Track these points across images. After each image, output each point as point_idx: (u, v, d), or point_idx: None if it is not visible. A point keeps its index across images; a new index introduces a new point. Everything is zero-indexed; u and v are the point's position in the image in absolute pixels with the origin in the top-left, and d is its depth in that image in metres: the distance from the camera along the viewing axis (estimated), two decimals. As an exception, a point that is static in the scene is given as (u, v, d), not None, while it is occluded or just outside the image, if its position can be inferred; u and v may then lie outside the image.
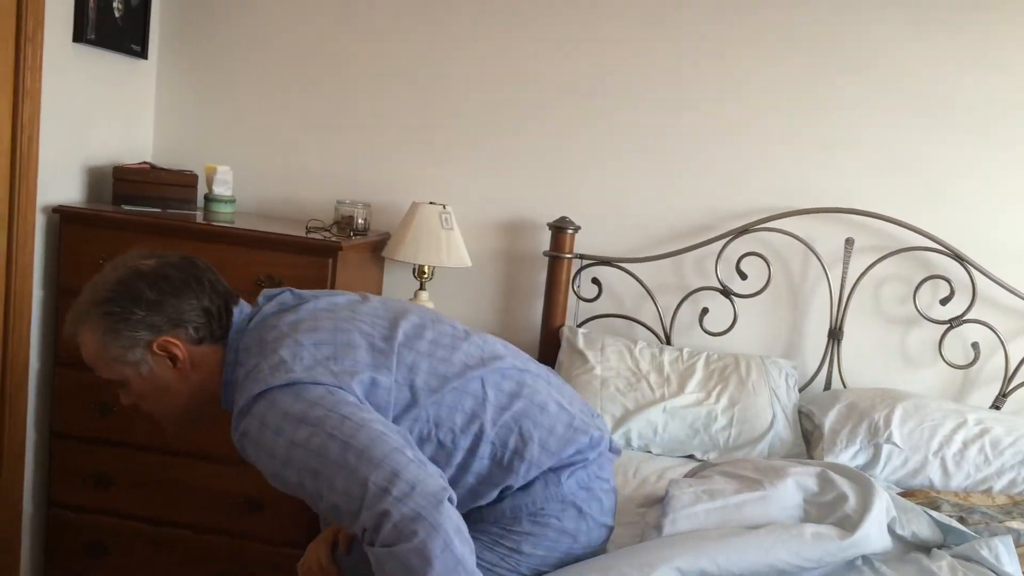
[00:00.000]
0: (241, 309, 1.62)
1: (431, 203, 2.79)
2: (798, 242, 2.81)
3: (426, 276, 2.85)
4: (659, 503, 1.93)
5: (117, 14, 2.83)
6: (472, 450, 1.55)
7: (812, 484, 1.88)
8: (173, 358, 1.54)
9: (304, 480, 1.37)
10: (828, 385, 2.84)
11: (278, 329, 1.52)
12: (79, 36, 2.67)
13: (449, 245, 2.76)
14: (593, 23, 2.89)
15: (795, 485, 1.86)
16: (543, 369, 1.75)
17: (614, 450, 1.75)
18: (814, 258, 2.81)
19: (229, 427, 1.49)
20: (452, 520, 1.31)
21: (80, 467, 2.68)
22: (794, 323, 2.90)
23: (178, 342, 1.53)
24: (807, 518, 1.80)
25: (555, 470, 1.61)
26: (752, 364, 2.74)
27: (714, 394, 2.65)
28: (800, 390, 2.80)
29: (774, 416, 2.62)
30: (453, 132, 2.97)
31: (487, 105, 2.96)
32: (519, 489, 1.59)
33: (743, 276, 2.83)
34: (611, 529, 1.72)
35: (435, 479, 1.34)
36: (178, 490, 2.64)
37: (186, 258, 1.60)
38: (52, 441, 2.71)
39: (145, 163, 2.91)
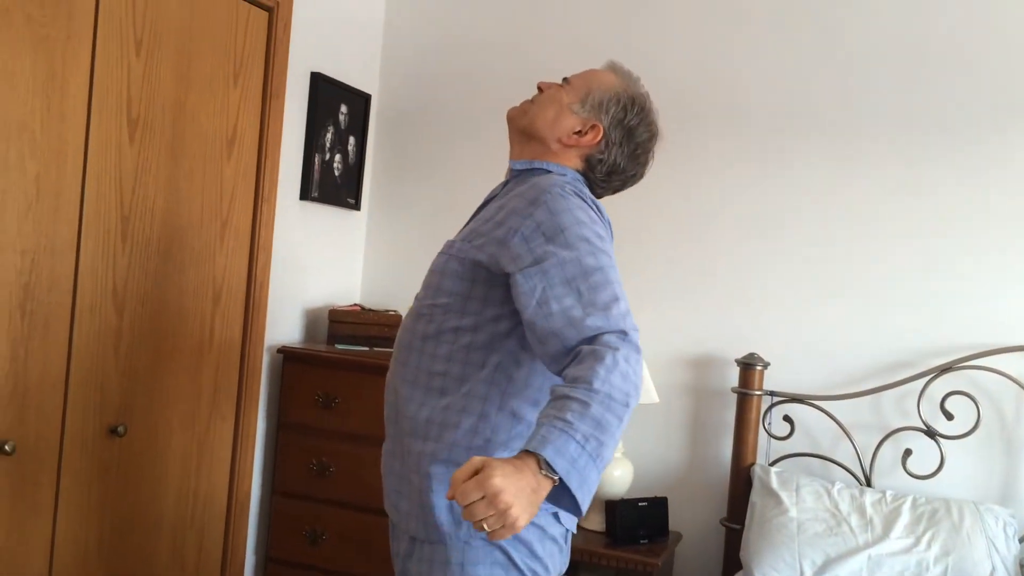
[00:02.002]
0: None
1: (619, 340, 2.86)
2: (1010, 381, 2.65)
3: (614, 412, 2.90)
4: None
5: (336, 173, 3.17)
6: None
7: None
8: (583, 134, 1.70)
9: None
10: (1054, 536, 2.61)
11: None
12: (305, 194, 3.00)
13: (637, 382, 2.81)
14: (784, 159, 2.94)
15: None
16: None
17: None
18: (1029, 397, 2.65)
19: None
20: None
21: (290, 591, 2.86)
22: (1010, 468, 2.70)
23: (596, 140, 1.72)
24: None
25: None
26: (965, 510, 2.56)
27: (924, 540, 2.50)
28: (1021, 541, 2.59)
29: (993, 569, 2.42)
30: (639, 267, 3.06)
31: (674, 240, 3.05)
32: None
33: (949, 416, 2.69)
34: None
35: None
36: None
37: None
38: (268, 565, 2.91)
39: (355, 305, 3.18)
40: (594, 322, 1.42)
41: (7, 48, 1.99)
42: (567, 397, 1.34)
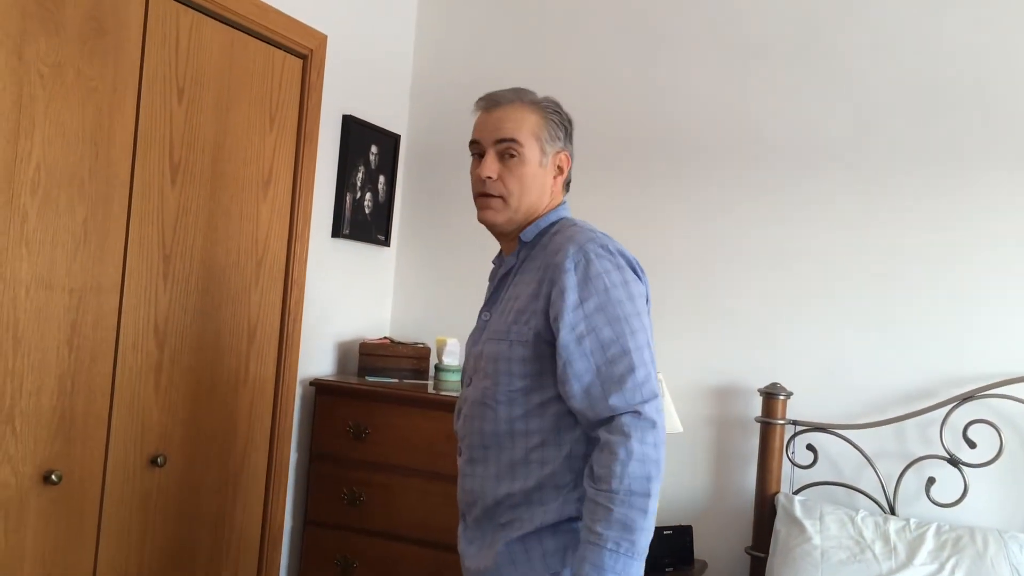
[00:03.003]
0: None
1: (643, 371, 2.91)
2: (1031, 408, 2.67)
3: (639, 442, 2.95)
4: None
5: (367, 210, 3.28)
6: None
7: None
8: (560, 169, 1.77)
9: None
10: (1081, 565, 2.60)
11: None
12: (336, 232, 3.11)
13: (661, 412, 2.86)
14: (803, 193, 3.00)
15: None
16: None
17: None
18: (1052, 425, 2.66)
19: None
20: None
21: (322, 619, 2.93)
22: (1034, 495, 2.71)
23: (568, 164, 1.79)
24: None
25: None
26: (989, 537, 2.57)
27: (948, 567, 2.51)
28: (1047, 569, 2.59)
29: (1018, 597, 2.43)
30: (662, 299, 3.11)
31: (696, 272, 3.11)
32: None
33: (971, 444, 2.71)
34: None
35: None
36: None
37: None
38: (299, 593, 2.99)
39: (385, 338, 3.27)
40: (612, 402, 1.55)
41: (60, 101, 2.12)
42: (594, 502, 1.52)
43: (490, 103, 1.74)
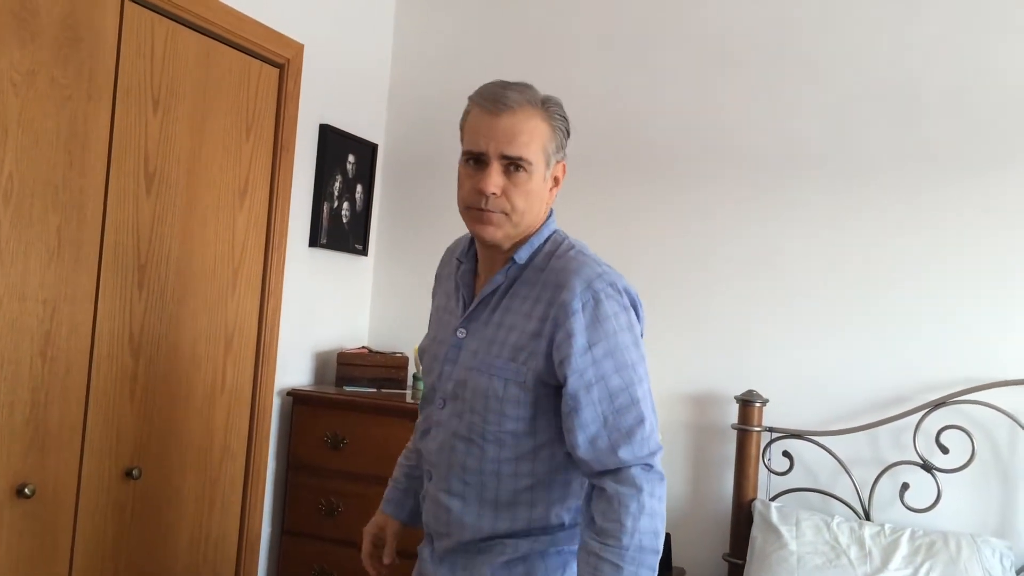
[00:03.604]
0: None
1: (620, 379, 2.93)
2: (1003, 415, 2.71)
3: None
4: None
5: (344, 220, 3.27)
6: None
7: None
8: (556, 180, 1.65)
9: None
10: (1052, 568, 2.64)
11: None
12: (314, 241, 3.10)
13: (638, 420, 2.87)
14: (779, 199, 3.03)
15: None
16: None
17: None
18: (1023, 432, 2.70)
19: None
20: None
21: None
22: (1006, 500, 2.75)
23: (564, 174, 1.66)
24: None
25: None
26: (962, 542, 2.60)
27: (922, 571, 2.54)
28: (1018, 572, 2.62)
29: (991, 600, 2.46)
30: (639, 311, 3.14)
31: (672, 280, 3.13)
32: None
33: (944, 450, 2.74)
34: None
35: None
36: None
37: None
38: (277, 604, 2.96)
39: (363, 347, 3.26)
40: (621, 455, 1.49)
41: (33, 108, 2.10)
42: (599, 558, 1.45)
43: (496, 104, 1.56)
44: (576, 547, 1.59)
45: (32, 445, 2.15)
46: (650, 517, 1.47)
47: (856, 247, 2.94)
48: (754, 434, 2.90)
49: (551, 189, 1.64)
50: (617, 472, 1.49)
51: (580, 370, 1.50)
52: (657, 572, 1.48)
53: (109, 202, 2.32)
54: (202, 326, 2.65)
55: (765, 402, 2.91)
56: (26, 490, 2.12)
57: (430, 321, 1.81)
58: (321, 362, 3.23)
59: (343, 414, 2.92)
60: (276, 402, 2.98)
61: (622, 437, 1.49)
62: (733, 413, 2.96)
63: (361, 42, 3.36)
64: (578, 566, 1.49)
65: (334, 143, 3.17)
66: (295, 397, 2.99)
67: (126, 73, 2.33)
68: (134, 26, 2.35)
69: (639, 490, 1.47)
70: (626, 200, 3.21)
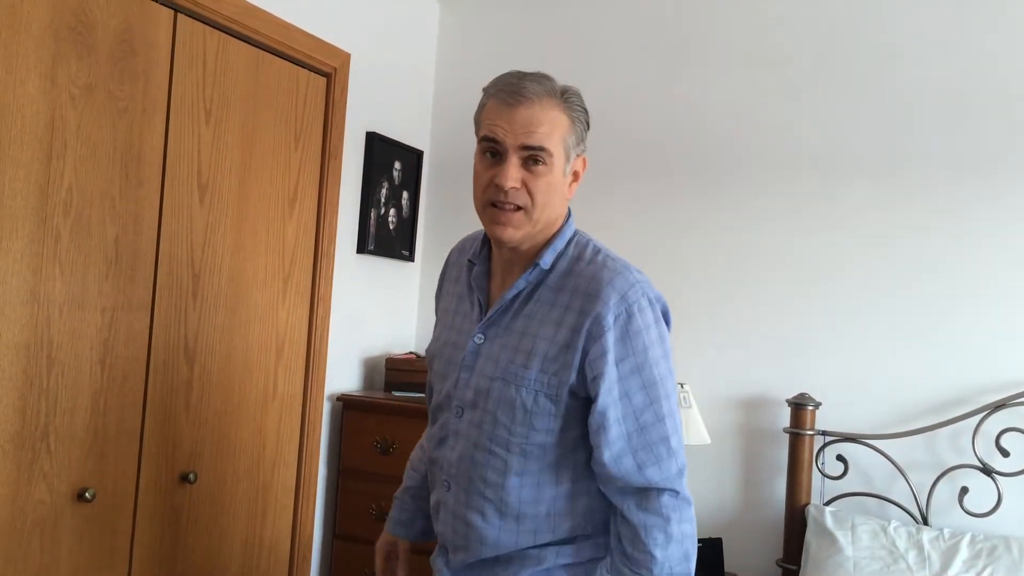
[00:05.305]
0: None
1: (669, 383, 2.90)
2: (1065, 415, 2.64)
3: (667, 454, 2.93)
4: None
5: (391, 226, 3.30)
6: None
7: None
8: (576, 175, 1.60)
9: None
10: (1120, 574, 2.56)
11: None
12: (362, 248, 3.13)
13: (688, 423, 2.85)
14: (832, 204, 2.99)
15: None
16: None
17: None
18: (1086, 432, 2.63)
19: None
20: None
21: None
22: (1070, 504, 2.68)
23: (584, 168, 1.61)
24: None
25: None
26: (1025, 548, 2.54)
27: (983, 577, 2.49)
28: (1085, 579, 2.55)
29: (1056, 608, 2.40)
30: (691, 310, 3.11)
31: (724, 282, 3.10)
32: None
33: (1005, 453, 2.68)
34: None
35: None
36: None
37: None
38: (329, 608, 2.99)
39: (411, 353, 3.28)
40: (648, 475, 1.47)
41: (91, 122, 2.15)
42: None
43: (514, 96, 1.51)
44: (598, 556, 1.55)
45: (92, 450, 2.20)
46: (679, 544, 1.46)
47: (911, 251, 2.88)
48: (807, 438, 2.86)
49: (571, 184, 1.59)
50: (643, 495, 1.48)
51: (609, 387, 1.47)
52: None
53: (164, 213, 2.36)
54: (254, 334, 2.69)
55: (818, 405, 2.86)
56: (87, 494, 2.16)
57: (436, 323, 1.77)
58: (370, 368, 3.25)
59: (393, 419, 2.94)
60: (326, 408, 3.01)
61: (647, 456, 1.47)
62: (785, 416, 2.92)
63: (406, 50, 3.39)
64: None
65: (380, 150, 3.20)
66: (345, 403, 3.02)
67: (179, 85, 2.38)
68: (186, 39, 2.39)
69: (667, 520, 1.46)
70: (679, 204, 3.18)
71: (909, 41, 2.91)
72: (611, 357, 1.47)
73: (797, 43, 3.05)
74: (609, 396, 1.47)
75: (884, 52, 2.94)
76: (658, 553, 1.44)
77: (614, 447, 1.47)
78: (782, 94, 3.06)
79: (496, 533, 1.55)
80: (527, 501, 1.53)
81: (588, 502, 1.56)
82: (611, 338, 1.47)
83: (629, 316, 1.48)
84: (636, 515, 1.46)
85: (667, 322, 1.57)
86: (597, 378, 1.47)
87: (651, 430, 1.48)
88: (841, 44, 2.99)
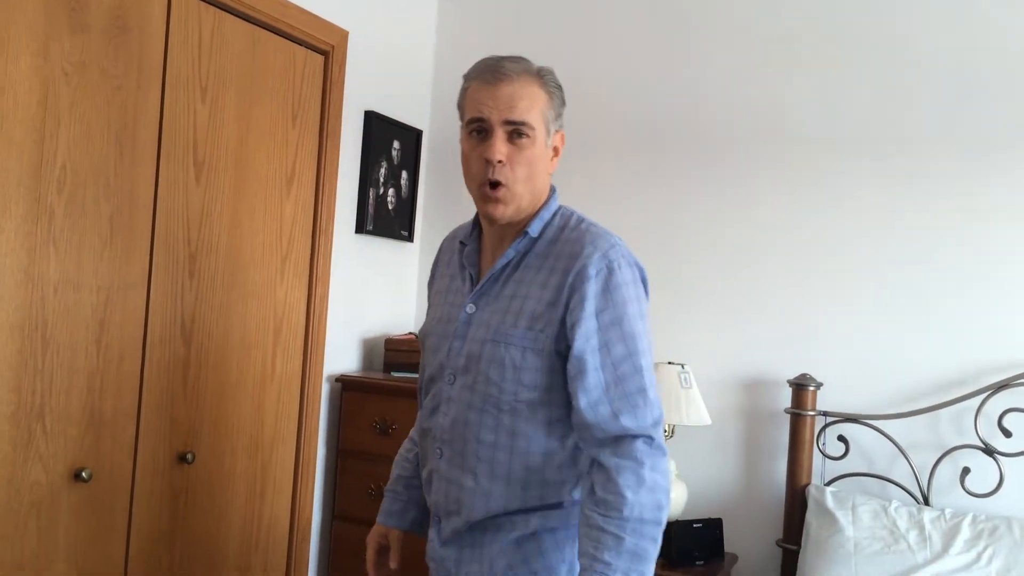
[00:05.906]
0: None
1: (669, 363, 2.89)
2: (1068, 396, 2.62)
3: (667, 434, 2.93)
4: None
5: (390, 206, 3.27)
6: None
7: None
8: (556, 150, 1.67)
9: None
10: (1122, 555, 2.55)
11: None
12: (360, 228, 3.11)
13: (688, 404, 2.84)
14: (834, 182, 2.96)
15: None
16: None
17: None
18: (1089, 412, 2.61)
19: None
20: None
21: (352, 614, 2.93)
22: (1072, 484, 2.66)
23: (563, 143, 1.68)
24: None
25: None
26: (1027, 529, 2.53)
27: (985, 556, 2.48)
28: (1087, 559, 2.54)
29: (1057, 588, 2.39)
30: (692, 290, 3.10)
31: (725, 262, 3.08)
32: None
33: (1007, 433, 2.67)
34: None
35: None
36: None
37: None
38: (329, 589, 2.99)
39: (410, 334, 3.27)
40: (623, 421, 1.50)
41: (84, 99, 2.13)
42: (601, 530, 1.45)
43: (495, 74, 1.59)
44: None
45: (88, 431, 2.19)
46: (651, 491, 1.47)
47: (913, 228, 2.85)
48: (808, 418, 2.84)
49: (552, 159, 1.66)
50: (618, 442, 1.50)
51: (587, 335, 1.52)
52: (660, 544, 1.48)
53: (160, 191, 2.34)
54: (251, 313, 2.67)
55: (819, 386, 2.85)
56: (83, 474, 2.16)
57: (429, 307, 1.81)
58: (369, 348, 3.24)
59: (392, 400, 2.93)
60: (325, 388, 2.99)
61: (624, 404, 1.51)
62: (786, 397, 2.90)
63: (405, 28, 3.35)
64: (579, 537, 1.50)
65: (379, 129, 3.17)
66: (344, 383, 3.00)
67: (174, 62, 2.35)
68: (181, 15, 2.36)
69: (640, 464, 1.48)
70: (680, 183, 3.15)
71: (913, 17, 2.87)
72: (591, 306, 1.53)
73: (799, 19, 3.01)
74: (587, 343, 1.52)
75: (887, 28, 2.90)
76: (629, 495, 1.45)
77: (592, 394, 1.51)
78: (784, 71, 3.03)
79: (486, 495, 1.59)
80: (517, 462, 1.57)
81: (575, 468, 1.60)
82: (591, 289, 1.53)
83: (610, 271, 1.55)
84: (609, 459, 1.49)
85: (646, 289, 1.62)
86: (575, 325, 1.52)
87: (629, 380, 1.52)
88: (843, 20, 2.95)
